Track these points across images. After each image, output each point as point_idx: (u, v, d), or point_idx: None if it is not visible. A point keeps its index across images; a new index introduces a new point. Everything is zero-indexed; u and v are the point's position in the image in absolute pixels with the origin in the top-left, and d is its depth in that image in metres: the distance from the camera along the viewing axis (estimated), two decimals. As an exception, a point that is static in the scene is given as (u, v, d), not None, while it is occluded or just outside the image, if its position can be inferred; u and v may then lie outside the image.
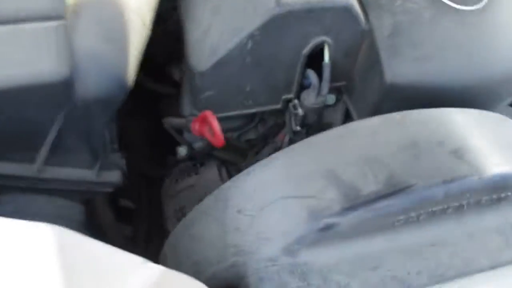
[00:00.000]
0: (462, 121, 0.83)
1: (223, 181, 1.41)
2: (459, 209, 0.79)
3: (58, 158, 0.98)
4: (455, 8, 0.94)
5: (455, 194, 0.75)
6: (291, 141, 1.22)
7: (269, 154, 1.32)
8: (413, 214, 0.75)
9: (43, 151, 0.93)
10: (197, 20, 0.99)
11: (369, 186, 0.74)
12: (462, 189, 0.75)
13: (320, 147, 0.80)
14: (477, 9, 0.94)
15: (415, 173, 0.75)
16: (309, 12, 0.88)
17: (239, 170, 1.44)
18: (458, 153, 0.77)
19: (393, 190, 0.73)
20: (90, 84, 0.84)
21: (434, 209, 0.76)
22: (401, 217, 0.75)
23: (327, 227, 0.73)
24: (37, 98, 0.81)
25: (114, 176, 1.07)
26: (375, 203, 0.73)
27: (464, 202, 0.78)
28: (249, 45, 0.91)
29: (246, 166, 1.38)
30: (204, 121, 0.93)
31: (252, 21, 0.89)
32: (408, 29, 0.93)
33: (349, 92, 1.08)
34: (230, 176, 1.44)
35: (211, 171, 1.42)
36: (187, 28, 1.00)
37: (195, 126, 0.95)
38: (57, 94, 0.82)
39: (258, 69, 0.97)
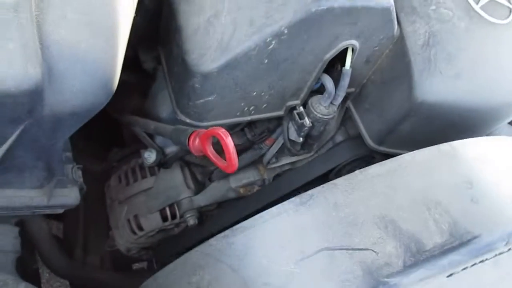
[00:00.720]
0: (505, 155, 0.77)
1: (188, 185, 1.21)
2: (502, 253, 0.73)
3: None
4: (488, 20, 0.85)
5: (513, 242, 0.68)
6: (281, 149, 1.07)
7: (250, 160, 1.16)
8: (470, 264, 0.67)
9: (-19, 174, 0.66)
10: (198, 1, 0.76)
11: (433, 238, 0.64)
12: (521, 237, 0.68)
13: (369, 185, 0.67)
14: (508, 23, 0.87)
15: (477, 221, 0.66)
16: (349, 12, 0.72)
17: (208, 173, 1.25)
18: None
19: (459, 242, 0.64)
20: (66, 92, 0.59)
21: (488, 256, 0.69)
22: (459, 269, 0.67)
23: (387, 287, 0.62)
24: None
25: (69, 197, 0.82)
26: (440, 258, 0.63)
27: (512, 247, 0.72)
28: (272, 45, 0.72)
29: (218, 170, 1.21)
30: (208, 138, 0.73)
31: (280, 17, 0.70)
32: (444, 40, 0.82)
33: (358, 101, 0.95)
34: (195, 179, 1.24)
35: (173, 173, 1.21)
36: (182, 11, 0.77)
37: (194, 142, 0.75)
38: (17, 106, 0.56)
39: (272, 73, 0.79)
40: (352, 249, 0.63)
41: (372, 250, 0.62)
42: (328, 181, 1.10)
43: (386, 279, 0.61)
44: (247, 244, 0.67)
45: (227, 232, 0.70)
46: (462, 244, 0.64)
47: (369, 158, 1.06)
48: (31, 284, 0.75)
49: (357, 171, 0.68)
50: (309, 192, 0.67)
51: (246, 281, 0.65)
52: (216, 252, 0.69)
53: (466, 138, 0.83)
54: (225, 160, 0.72)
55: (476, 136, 0.96)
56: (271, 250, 0.65)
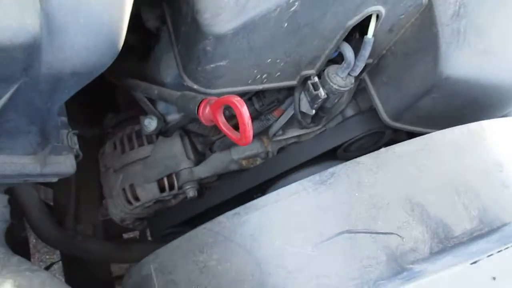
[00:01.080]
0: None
1: (187, 155, 1.15)
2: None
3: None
4: (521, -10, 0.80)
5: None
6: (289, 121, 1.02)
7: (256, 131, 1.10)
8: (496, 251, 0.64)
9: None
10: (211, -45, 0.68)
11: (461, 224, 0.60)
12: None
13: (395, 165, 0.62)
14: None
15: (508, 207, 0.62)
16: (380, -27, 0.66)
17: (209, 143, 1.19)
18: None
19: (488, 229, 0.60)
20: (67, 49, 0.52)
21: (513, 244, 0.66)
22: (484, 256, 0.63)
23: (412, 274, 0.58)
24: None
25: (65, 164, 0.76)
26: (468, 246, 0.59)
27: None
28: (295, 6, 0.66)
29: (221, 141, 1.15)
30: (220, 107, 0.67)
31: (305, -25, 0.64)
32: (476, 11, 0.76)
33: (375, 73, 0.89)
34: (195, 149, 1.18)
35: (172, 142, 1.15)
36: (193, -36, 0.69)
37: (204, 111, 0.69)
38: (11, 62, 0.49)
39: (291, 38, 0.72)
40: (376, 233, 0.58)
41: (397, 235, 0.58)
42: (336, 157, 1.08)
43: (411, 266, 0.57)
44: (261, 224, 0.62)
45: (238, 209, 0.65)
46: (492, 231, 0.60)
47: (380, 134, 1.01)
48: (23, 258, 0.70)
49: (382, 149, 0.63)
50: (331, 169, 0.62)
51: (259, 262, 0.61)
52: (226, 230, 0.64)
53: (484, 116, 0.79)
54: (238, 132, 0.67)
55: (495, 116, 0.92)
56: (287, 231, 0.61)
